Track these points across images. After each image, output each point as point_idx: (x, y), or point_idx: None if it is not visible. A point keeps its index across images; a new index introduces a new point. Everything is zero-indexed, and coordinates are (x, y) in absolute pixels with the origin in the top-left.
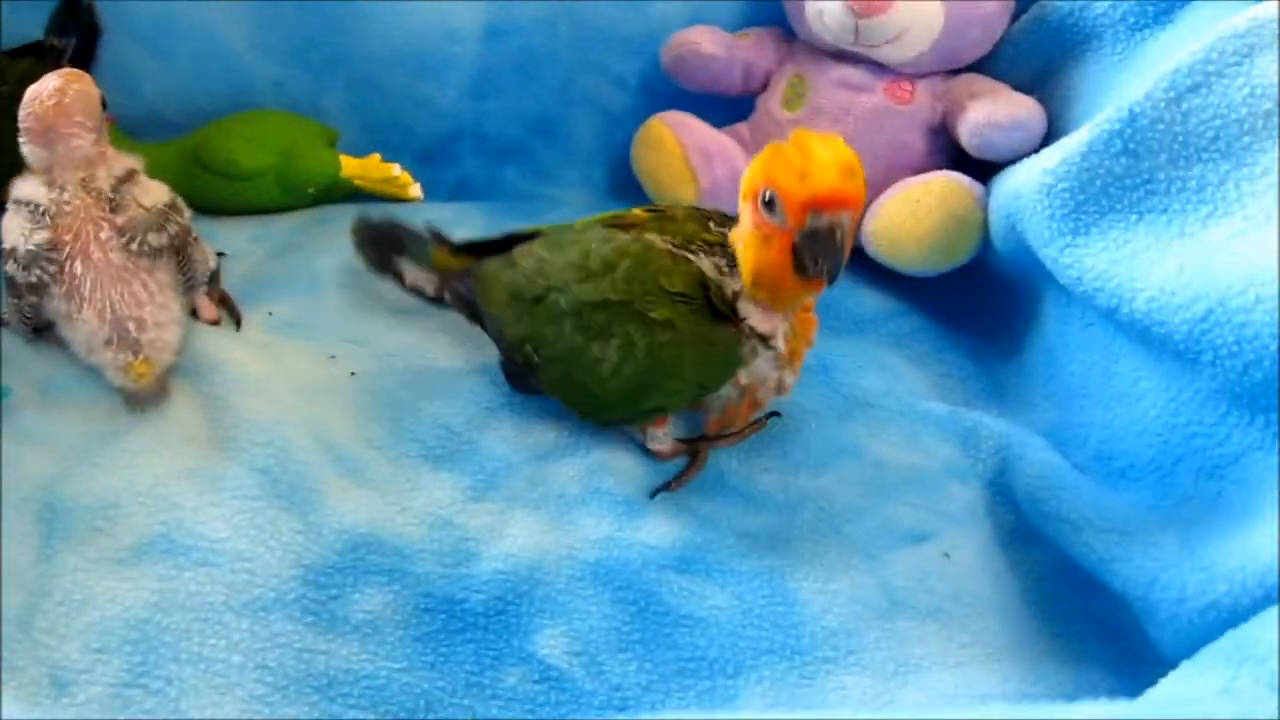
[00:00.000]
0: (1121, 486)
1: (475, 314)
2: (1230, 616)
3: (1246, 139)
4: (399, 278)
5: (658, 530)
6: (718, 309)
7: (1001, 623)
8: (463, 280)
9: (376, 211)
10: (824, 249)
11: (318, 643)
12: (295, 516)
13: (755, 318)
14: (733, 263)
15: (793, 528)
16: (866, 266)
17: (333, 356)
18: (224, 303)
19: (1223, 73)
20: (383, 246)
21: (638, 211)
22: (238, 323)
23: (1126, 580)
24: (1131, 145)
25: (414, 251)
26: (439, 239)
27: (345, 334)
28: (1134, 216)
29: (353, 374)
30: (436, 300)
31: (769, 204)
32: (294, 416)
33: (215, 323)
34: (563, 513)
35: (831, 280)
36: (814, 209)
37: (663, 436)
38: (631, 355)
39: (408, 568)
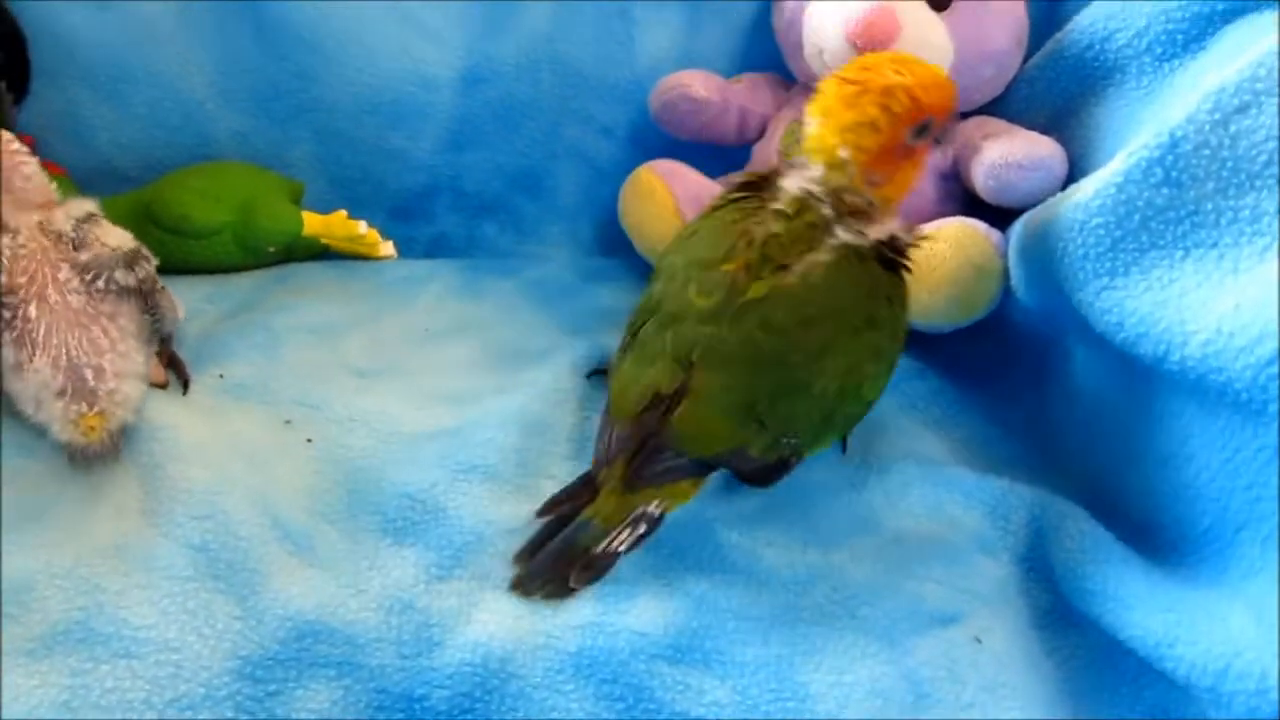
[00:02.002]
0: (1174, 561)
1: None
2: None
3: None
4: None
5: (648, 614)
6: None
7: (1044, 718)
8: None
9: (344, 268)
10: None
11: None
12: (233, 600)
13: (898, 227)
14: (848, 212)
15: (801, 610)
16: None
17: (288, 421)
18: (172, 364)
19: (1273, 90)
20: None
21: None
22: (185, 385)
23: (1193, 668)
24: (1174, 174)
25: None
26: None
27: (303, 398)
28: (1180, 252)
29: (309, 440)
30: None
31: (922, 129)
32: (238, 487)
33: (162, 385)
34: None
35: None
36: None
37: None
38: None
39: (361, 659)
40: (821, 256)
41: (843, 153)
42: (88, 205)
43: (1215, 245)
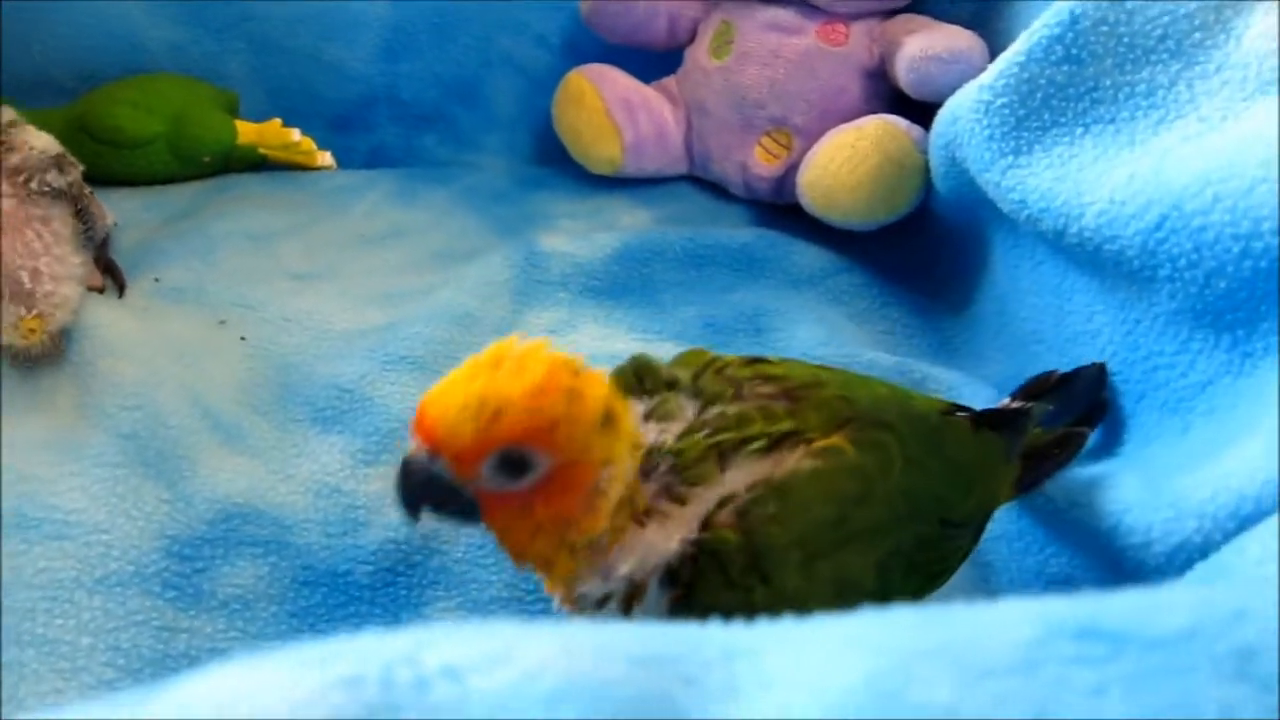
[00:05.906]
0: None
1: None
2: (1201, 556)
3: (1198, 35)
4: None
5: None
6: None
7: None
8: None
9: (282, 179)
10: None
11: (179, 620)
12: (162, 485)
13: None
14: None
15: None
16: (803, 221)
17: (222, 321)
18: (109, 269)
19: None
20: None
21: None
22: (121, 289)
23: (1085, 531)
24: (1074, 51)
25: None
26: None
27: (238, 299)
28: (1079, 129)
29: (242, 338)
30: None
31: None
32: (170, 381)
33: (99, 290)
34: None
35: None
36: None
37: None
38: None
39: (288, 539)
40: None
41: None
42: (7, 113)
43: (1113, 120)
